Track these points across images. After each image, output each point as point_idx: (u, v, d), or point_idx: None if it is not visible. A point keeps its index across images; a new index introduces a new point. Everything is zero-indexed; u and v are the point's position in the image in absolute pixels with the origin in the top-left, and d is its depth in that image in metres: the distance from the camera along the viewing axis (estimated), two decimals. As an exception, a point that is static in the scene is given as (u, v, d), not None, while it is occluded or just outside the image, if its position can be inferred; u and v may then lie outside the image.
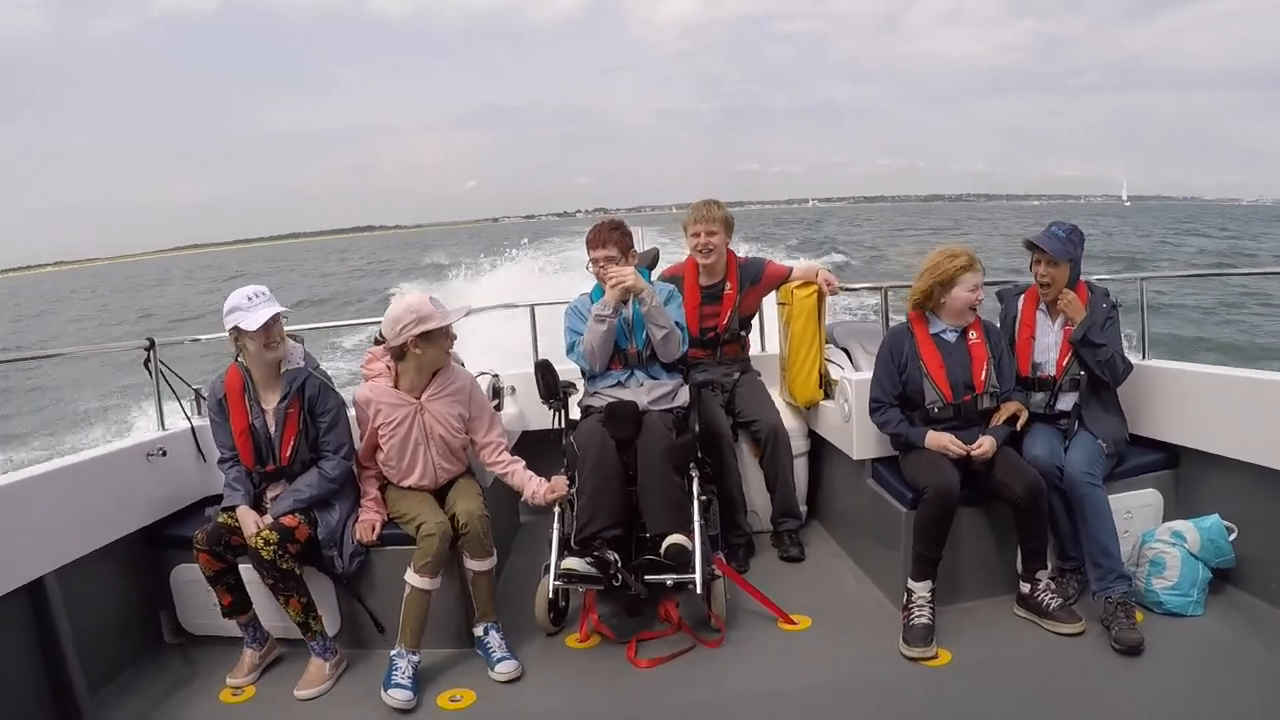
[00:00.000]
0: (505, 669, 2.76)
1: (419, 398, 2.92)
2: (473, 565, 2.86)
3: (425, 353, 2.84)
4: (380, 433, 2.92)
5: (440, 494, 3.00)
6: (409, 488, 2.99)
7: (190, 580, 2.93)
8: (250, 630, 2.86)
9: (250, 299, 2.78)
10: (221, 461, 2.94)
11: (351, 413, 3.02)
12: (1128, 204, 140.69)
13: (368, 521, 2.91)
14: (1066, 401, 3.12)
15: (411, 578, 2.73)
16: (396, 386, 2.93)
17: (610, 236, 3.24)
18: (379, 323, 2.94)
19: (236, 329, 2.78)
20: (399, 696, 2.61)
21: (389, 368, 2.94)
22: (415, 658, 2.72)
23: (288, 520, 2.77)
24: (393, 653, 2.72)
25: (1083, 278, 3.17)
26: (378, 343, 3.01)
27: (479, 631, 2.87)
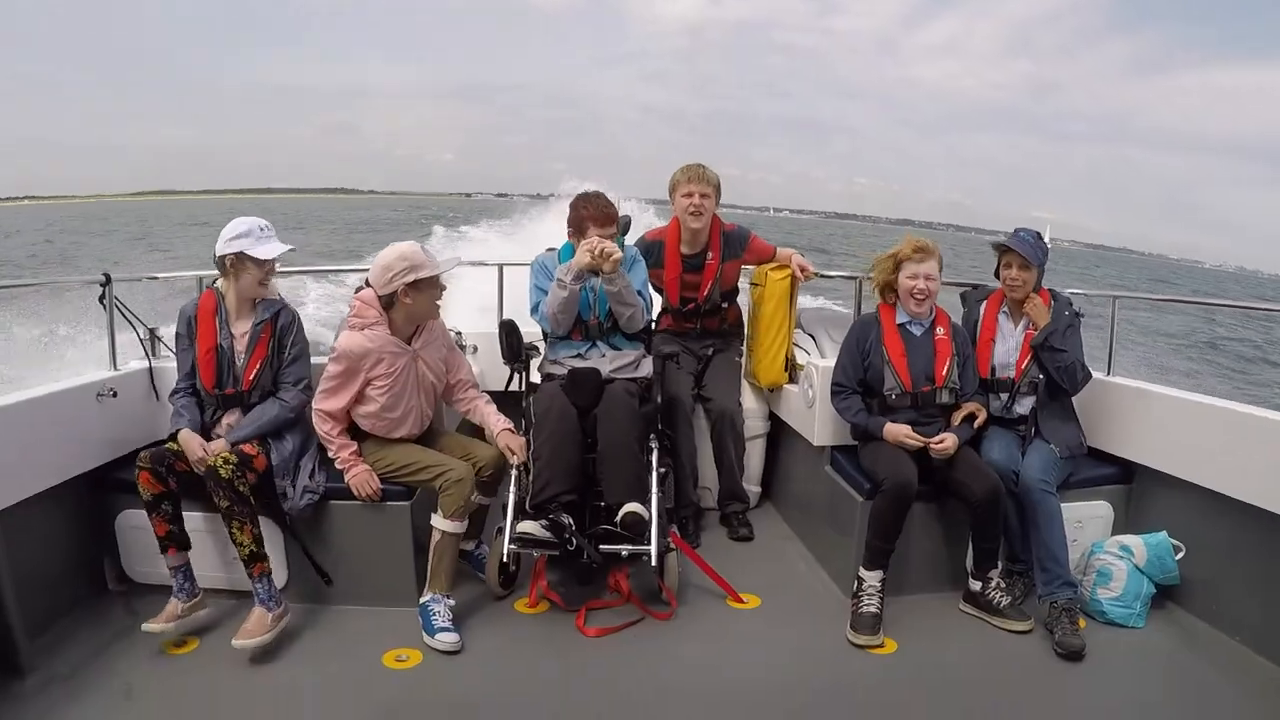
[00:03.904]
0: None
1: (410, 345, 2.86)
2: (480, 499, 2.98)
3: (415, 302, 2.78)
4: (377, 383, 2.81)
5: (423, 443, 2.97)
6: (397, 439, 2.92)
7: (136, 526, 2.83)
8: (180, 576, 2.70)
9: (262, 229, 2.79)
10: (175, 393, 2.85)
11: (319, 361, 2.93)
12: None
13: (362, 476, 2.81)
14: (1024, 405, 3.14)
15: (443, 524, 2.75)
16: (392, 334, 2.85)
17: (615, 216, 3.17)
18: (356, 270, 2.82)
19: (239, 254, 2.75)
20: (448, 639, 2.63)
21: (381, 315, 2.82)
22: (451, 601, 2.75)
23: (247, 448, 2.73)
24: (426, 599, 2.72)
25: (1048, 286, 3.20)
26: (358, 290, 2.88)
27: (470, 546, 3.05)
